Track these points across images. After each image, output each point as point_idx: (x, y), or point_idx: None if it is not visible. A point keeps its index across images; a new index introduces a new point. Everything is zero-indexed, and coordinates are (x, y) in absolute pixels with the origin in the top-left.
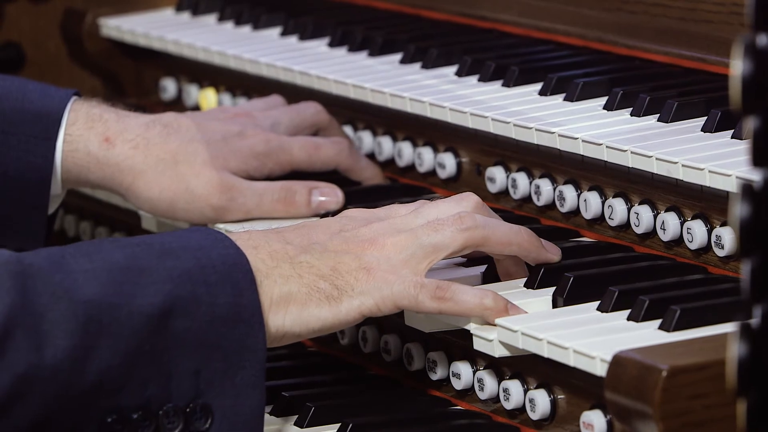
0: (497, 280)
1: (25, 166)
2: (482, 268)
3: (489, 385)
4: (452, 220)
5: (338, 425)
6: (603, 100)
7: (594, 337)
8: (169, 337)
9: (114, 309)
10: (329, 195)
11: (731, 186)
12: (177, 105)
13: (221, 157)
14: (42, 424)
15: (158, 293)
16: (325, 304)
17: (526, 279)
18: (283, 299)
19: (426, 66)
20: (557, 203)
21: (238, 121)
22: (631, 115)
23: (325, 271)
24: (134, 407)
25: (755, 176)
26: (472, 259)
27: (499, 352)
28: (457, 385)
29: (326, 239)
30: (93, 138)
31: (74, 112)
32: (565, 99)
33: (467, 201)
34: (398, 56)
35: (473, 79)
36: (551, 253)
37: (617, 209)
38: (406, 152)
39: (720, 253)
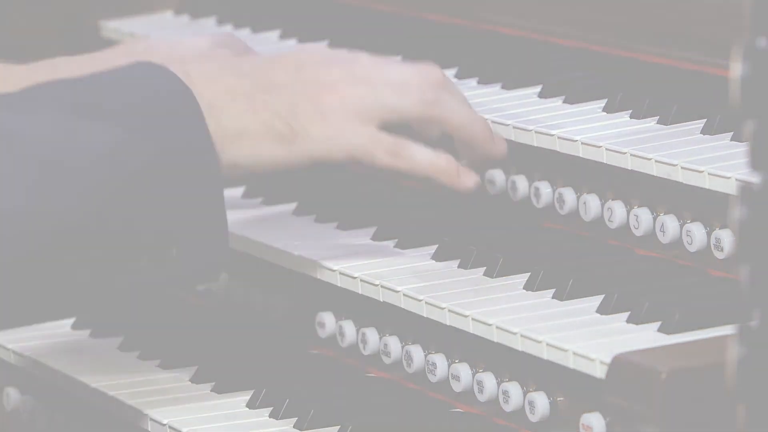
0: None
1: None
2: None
3: (488, 387)
4: (417, 88)
5: (338, 427)
6: (603, 102)
7: (593, 339)
8: (122, 174)
9: (66, 151)
10: None
11: (731, 188)
12: None
13: None
14: (11, 266)
15: (106, 132)
16: (278, 143)
17: (525, 280)
18: (238, 134)
19: None
20: (556, 205)
21: None
22: (631, 117)
23: (281, 111)
24: (99, 247)
25: (755, 178)
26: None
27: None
28: (456, 387)
29: (284, 79)
30: None
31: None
32: (565, 101)
33: (433, 72)
34: (398, 59)
35: (473, 81)
36: (498, 147)
37: (617, 211)
38: None
39: (719, 255)
